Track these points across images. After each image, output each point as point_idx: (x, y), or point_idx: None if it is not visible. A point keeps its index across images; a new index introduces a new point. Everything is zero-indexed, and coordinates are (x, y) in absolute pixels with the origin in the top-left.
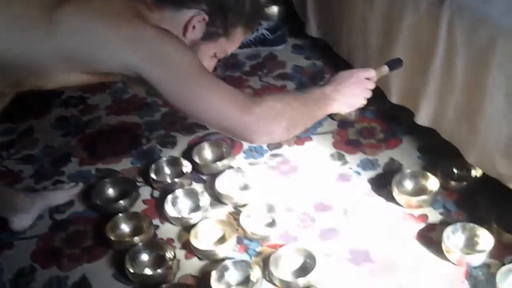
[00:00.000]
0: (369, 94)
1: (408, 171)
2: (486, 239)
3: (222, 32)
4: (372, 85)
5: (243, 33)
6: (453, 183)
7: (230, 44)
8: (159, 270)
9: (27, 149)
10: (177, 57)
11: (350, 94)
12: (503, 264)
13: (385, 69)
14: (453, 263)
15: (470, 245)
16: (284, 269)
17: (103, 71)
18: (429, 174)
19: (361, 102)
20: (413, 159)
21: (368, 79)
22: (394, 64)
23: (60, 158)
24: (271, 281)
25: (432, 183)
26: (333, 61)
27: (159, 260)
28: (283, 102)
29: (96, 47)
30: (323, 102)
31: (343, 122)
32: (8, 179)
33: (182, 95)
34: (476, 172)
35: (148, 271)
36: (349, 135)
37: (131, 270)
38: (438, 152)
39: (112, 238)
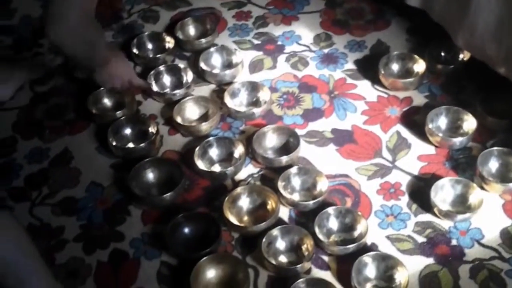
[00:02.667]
0: None
1: (395, 53)
2: (469, 122)
3: None
4: None
5: None
6: (440, 66)
7: None
8: (142, 144)
9: (5, 19)
10: None
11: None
12: (485, 148)
13: None
14: (435, 145)
15: (453, 128)
16: (267, 147)
17: None
18: (416, 56)
19: None
20: (401, 42)
21: None
22: None
23: (40, 30)
24: (254, 158)
25: (419, 66)
26: None
27: (142, 135)
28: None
29: None
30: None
31: (330, 1)
32: None
33: None
34: (464, 56)
35: (131, 145)
36: (337, 15)
37: (114, 144)
38: (427, 35)
39: (94, 111)
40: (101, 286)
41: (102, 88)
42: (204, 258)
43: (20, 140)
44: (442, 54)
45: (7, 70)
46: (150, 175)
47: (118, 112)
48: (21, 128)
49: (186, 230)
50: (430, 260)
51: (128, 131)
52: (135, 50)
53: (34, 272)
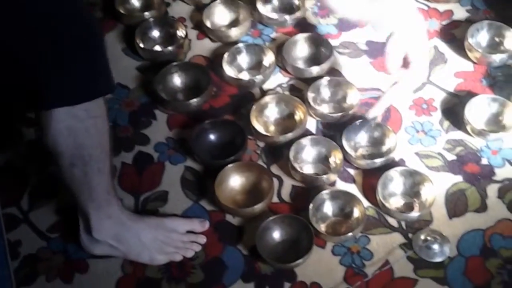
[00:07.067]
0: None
1: None
2: (511, 39)
3: None
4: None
5: None
6: None
7: None
8: (170, 48)
9: None
10: None
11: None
12: None
13: None
14: (473, 62)
15: (494, 45)
16: (297, 56)
17: None
18: None
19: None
20: None
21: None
22: None
23: None
24: (283, 67)
25: None
26: None
27: (169, 38)
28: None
29: None
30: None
31: None
32: None
33: None
34: None
35: (158, 48)
36: None
37: (141, 46)
38: None
39: (122, 11)
40: (125, 187)
41: None
42: (229, 165)
43: None
44: None
45: None
46: (177, 80)
47: (146, 13)
48: None
49: (212, 136)
50: (459, 178)
51: (156, 33)
52: None
53: (100, 170)
